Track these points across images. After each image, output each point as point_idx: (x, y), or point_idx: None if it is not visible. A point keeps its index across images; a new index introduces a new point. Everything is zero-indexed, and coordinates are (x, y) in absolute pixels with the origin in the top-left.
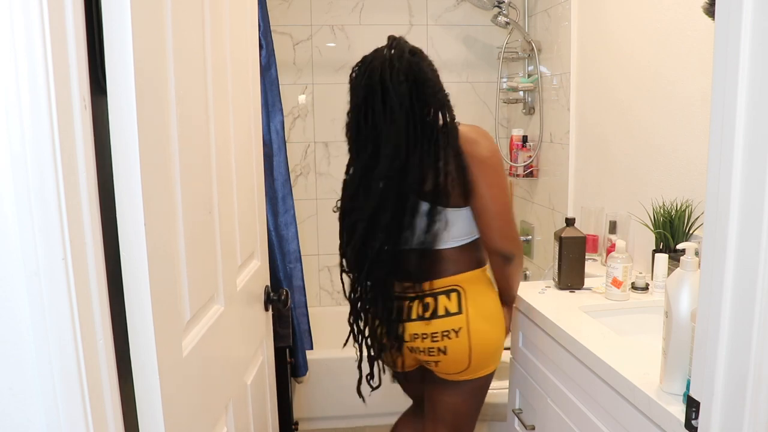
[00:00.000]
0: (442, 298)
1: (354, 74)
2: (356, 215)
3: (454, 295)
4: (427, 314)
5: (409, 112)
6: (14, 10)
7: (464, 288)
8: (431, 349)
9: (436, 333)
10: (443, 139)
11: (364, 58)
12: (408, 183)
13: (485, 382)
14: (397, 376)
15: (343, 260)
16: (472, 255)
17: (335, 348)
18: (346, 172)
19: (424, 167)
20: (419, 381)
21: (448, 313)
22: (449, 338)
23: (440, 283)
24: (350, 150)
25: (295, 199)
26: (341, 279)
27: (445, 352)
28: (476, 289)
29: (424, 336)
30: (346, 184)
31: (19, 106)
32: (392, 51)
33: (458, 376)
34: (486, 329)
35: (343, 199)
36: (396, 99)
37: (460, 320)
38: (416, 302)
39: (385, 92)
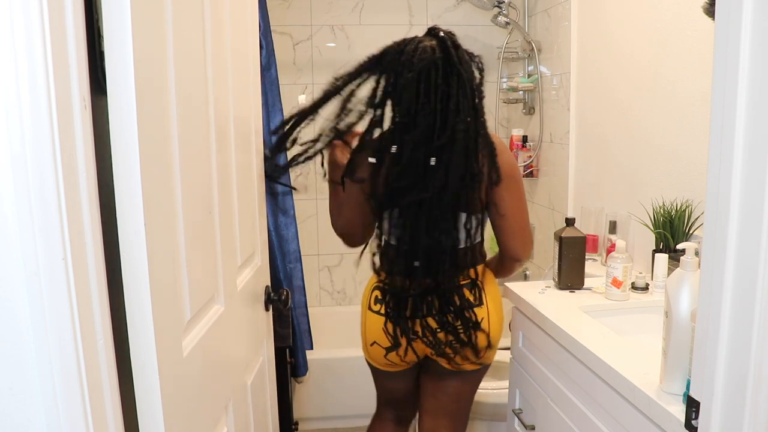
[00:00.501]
0: (465, 291)
1: (388, 56)
2: (414, 195)
3: (475, 288)
4: (452, 307)
5: (475, 91)
6: (14, 10)
7: (481, 281)
8: (452, 340)
9: (460, 324)
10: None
11: (395, 43)
12: (465, 159)
13: (486, 369)
14: (385, 376)
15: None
16: (481, 250)
17: (335, 348)
18: (381, 151)
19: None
20: (404, 378)
21: (471, 305)
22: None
23: (461, 277)
24: (375, 128)
25: (295, 199)
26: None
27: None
28: (487, 281)
29: (449, 327)
30: (390, 163)
31: (19, 106)
32: (441, 35)
33: (472, 365)
34: (499, 319)
35: (385, 179)
36: (465, 75)
37: (482, 311)
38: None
39: (452, 66)
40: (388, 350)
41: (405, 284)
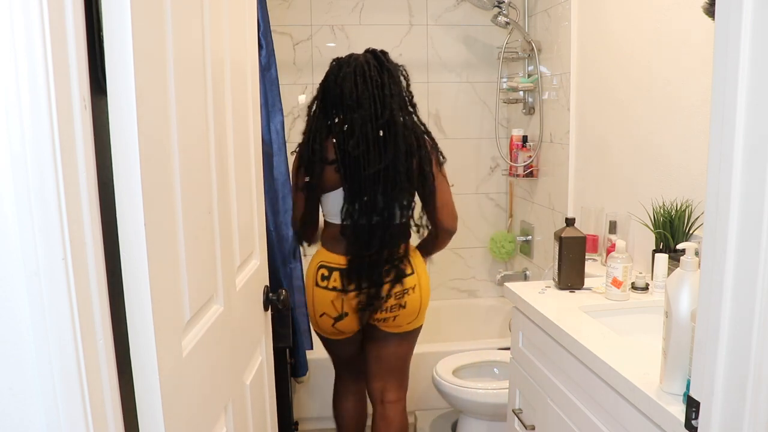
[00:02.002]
0: (399, 264)
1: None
2: (374, 165)
3: (407, 260)
4: (392, 276)
5: (405, 91)
6: (14, 10)
7: (411, 253)
8: (393, 306)
9: (399, 292)
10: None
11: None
12: (404, 137)
13: (419, 331)
14: (334, 344)
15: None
16: (408, 228)
17: None
18: (326, 134)
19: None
20: (350, 344)
21: (406, 274)
22: (408, 295)
23: (398, 251)
24: (322, 114)
25: None
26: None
27: (404, 307)
28: (415, 254)
29: (388, 296)
30: (342, 137)
31: (19, 106)
32: (371, 49)
33: (409, 326)
34: (427, 284)
35: (344, 150)
36: (395, 73)
37: (414, 279)
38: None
39: (382, 65)
40: (336, 320)
41: (353, 258)
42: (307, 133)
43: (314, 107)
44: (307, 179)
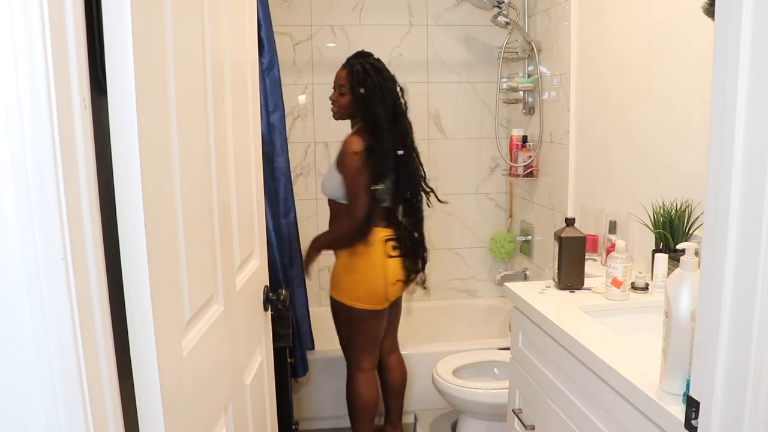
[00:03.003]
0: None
1: (368, 78)
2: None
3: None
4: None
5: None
6: (14, 10)
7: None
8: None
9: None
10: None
11: (365, 66)
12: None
13: None
14: (380, 315)
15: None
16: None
17: (336, 347)
18: (381, 147)
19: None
20: (386, 313)
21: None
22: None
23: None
24: (380, 126)
25: (295, 200)
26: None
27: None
28: None
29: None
30: (392, 142)
31: (19, 106)
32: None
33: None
34: None
35: (390, 155)
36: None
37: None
38: None
39: (399, 87)
40: (405, 282)
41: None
42: (382, 140)
43: (373, 109)
44: (380, 186)
